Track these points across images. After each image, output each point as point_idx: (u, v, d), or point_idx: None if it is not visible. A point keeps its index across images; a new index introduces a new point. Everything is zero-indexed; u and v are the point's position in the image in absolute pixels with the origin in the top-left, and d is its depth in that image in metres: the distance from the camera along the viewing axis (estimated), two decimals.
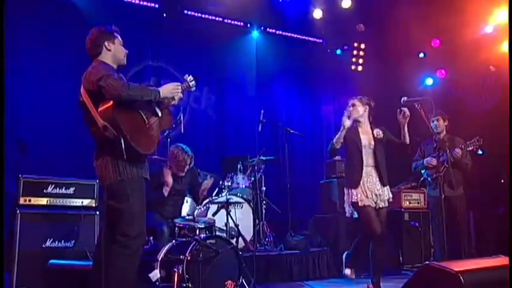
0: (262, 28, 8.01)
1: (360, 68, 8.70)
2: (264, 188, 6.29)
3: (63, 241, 4.49)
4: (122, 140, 2.81)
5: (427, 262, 4.19)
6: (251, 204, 5.68)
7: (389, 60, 7.97)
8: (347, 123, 4.20)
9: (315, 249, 5.82)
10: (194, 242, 3.94)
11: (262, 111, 6.13)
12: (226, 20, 7.62)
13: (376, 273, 4.24)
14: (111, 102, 2.83)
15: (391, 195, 4.29)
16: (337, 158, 6.38)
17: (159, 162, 4.72)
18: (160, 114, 3.12)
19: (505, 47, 7.00)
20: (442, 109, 5.38)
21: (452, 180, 4.88)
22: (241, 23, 7.85)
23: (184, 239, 4.19)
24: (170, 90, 3.11)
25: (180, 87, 3.17)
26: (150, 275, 3.86)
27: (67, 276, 3.87)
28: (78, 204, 4.63)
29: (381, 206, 4.20)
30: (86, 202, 4.67)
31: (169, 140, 5.14)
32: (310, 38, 8.47)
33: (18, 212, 4.31)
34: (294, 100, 8.44)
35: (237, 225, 5.17)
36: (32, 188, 4.46)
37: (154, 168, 4.46)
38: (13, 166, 4.45)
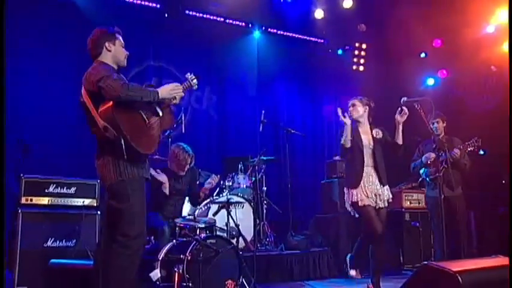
0: (263, 28, 8.00)
1: (361, 68, 8.70)
2: (264, 188, 6.29)
3: (64, 240, 4.51)
4: (122, 141, 2.82)
5: (425, 262, 4.20)
6: (252, 204, 5.69)
7: (390, 60, 7.96)
8: (347, 120, 4.23)
9: (316, 249, 5.82)
10: (195, 242, 3.95)
11: (263, 111, 6.14)
12: (227, 20, 7.62)
13: (376, 273, 4.24)
14: (111, 102, 2.84)
15: (391, 196, 4.30)
16: (337, 158, 6.39)
17: (160, 162, 4.73)
18: (161, 114, 3.12)
19: (506, 47, 6.99)
20: (443, 109, 5.38)
21: (452, 181, 4.89)
22: (243, 23, 7.84)
23: (184, 239, 4.19)
24: (169, 90, 3.11)
25: (179, 87, 3.17)
26: (151, 274, 3.86)
27: (68, 276, 3.88)
28: (79, 203, 4.65)
29: (380, 206, 4.21)
30: (87, 202, 4.70)
31: (170, 139, 5.14)
32: (311, 38, 8.45)
33: (19, 211, 4.34)
34: (295, 100, 8.43)
35: (237, 225, 5.18)
36: (33, 187, 4.48)
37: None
38: (14, 166, 4.48)
